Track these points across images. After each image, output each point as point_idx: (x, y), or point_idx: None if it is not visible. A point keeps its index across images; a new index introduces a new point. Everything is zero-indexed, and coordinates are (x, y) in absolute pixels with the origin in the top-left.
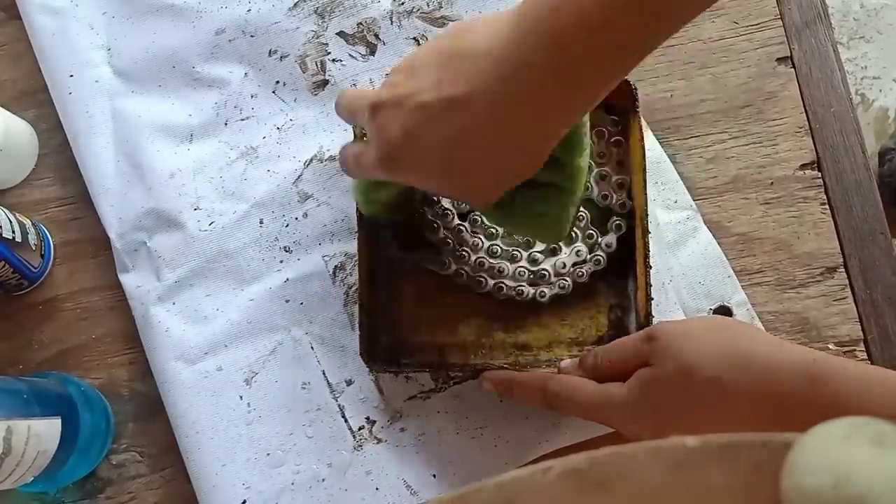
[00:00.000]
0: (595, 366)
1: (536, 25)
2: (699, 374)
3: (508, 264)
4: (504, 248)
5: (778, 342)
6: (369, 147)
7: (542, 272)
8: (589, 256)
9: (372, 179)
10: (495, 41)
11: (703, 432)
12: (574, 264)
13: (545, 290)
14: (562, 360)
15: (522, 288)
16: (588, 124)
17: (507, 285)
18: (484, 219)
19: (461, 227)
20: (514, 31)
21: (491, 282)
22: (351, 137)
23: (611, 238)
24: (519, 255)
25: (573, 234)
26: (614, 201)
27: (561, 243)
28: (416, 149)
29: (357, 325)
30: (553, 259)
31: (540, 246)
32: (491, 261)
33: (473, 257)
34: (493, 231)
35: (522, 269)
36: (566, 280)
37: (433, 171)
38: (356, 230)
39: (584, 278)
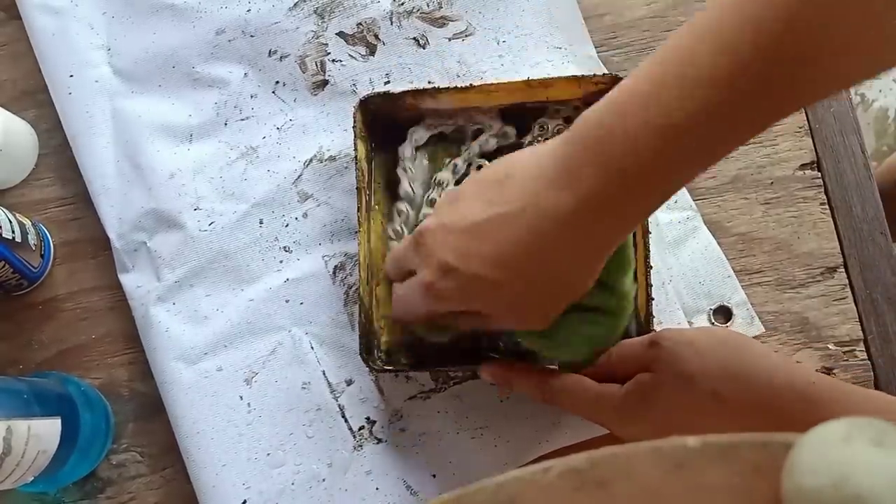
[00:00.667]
0: (596, 368)
1: (585, 147)
2: (699, 385)
3: None
4: None
5: (781, 361)
6: (416, 283)
7: None
8: None
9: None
10: (544, 163)
11: None
12: None
13: None
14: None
15: None
16: (632, 245)
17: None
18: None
19: None
20: (562, 155)
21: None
22: (350, 137)
23: None
24: None
25: None
26: None
27: None
28: (461, 272)
29: (357, 325)
30: None
31: None
32: None
33: None
34: None
35: None
36: None
37: (477, 295)
38: (356, 230)
39: None
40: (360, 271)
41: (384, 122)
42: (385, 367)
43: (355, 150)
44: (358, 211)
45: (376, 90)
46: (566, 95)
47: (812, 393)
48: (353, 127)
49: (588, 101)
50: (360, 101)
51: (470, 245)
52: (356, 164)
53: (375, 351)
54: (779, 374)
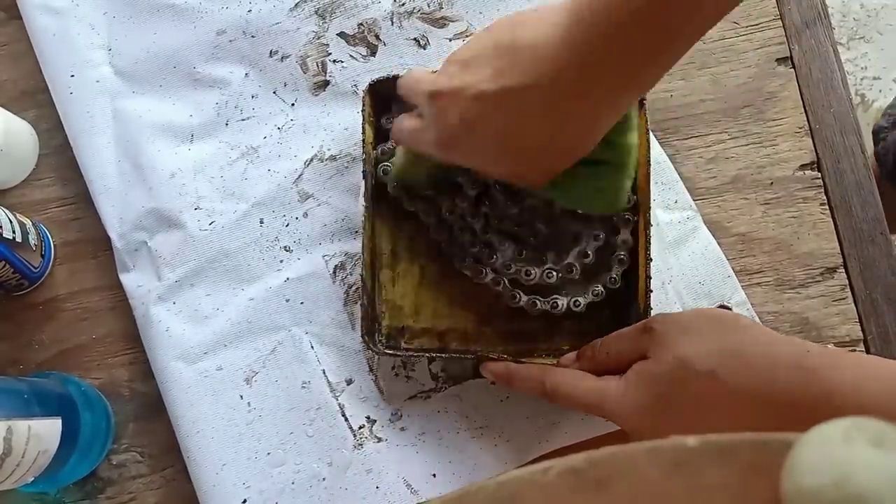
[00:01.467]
0: (593, 358)
1: (591, 19)
2: (695, 367)
3: (537, 269)
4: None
5: (774, 336)
6: (427, 128)
7: (570, 267)
8: (613, 257)
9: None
10: (552, 34)
11: (698, 425)
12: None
13: (580, 299)
14: (561, 348)
15: (558, 300)
16: (635, 111)
17: (539, 300)
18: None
19: (491, 241)
20: (570, 26)
21: (524, 297)
22: (351, 137)
23: (626, 235)
24: (545, 259)
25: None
26: None
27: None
28: (474, 136)
29: (357, 325)
30: (580, 259)
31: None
32: (517, 265)
33: (499, 260)
34: (518, 213)
35: (550, 270)
36: (598, 287)
37: (489, 156)
38: (357, 230)
39: (617, 284)
40: (363, 254)
41: (392, 106)
42: (385, 351)
43: (363, 133)
44: (364, 194)
45: (385, 75)
46: None
47: (809, 362)
48: (362, 111)
49: None
50: (370, 84)
51: (477, 115)
52: (363, 147)
53: (377, 334)
54: (774, 347)
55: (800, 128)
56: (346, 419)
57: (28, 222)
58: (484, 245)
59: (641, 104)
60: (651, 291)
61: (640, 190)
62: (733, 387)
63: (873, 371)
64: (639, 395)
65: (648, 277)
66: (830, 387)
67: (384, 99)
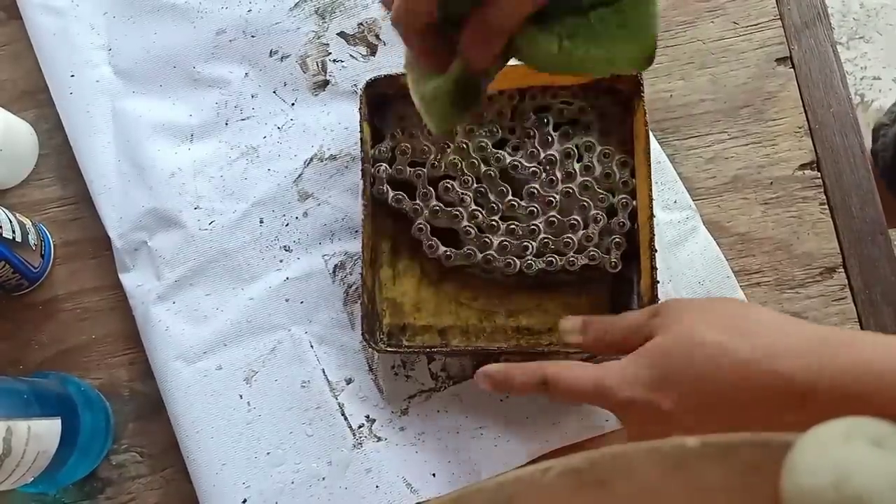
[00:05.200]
0: (597, 335)
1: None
2: (703, 338)
3: (534, 243)
4: (523, 225)
5: (783, 315)
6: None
7: (567, 240)
8: (609, 239)
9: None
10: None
11: (697, 399)
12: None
13: (575, 259)
14: (563, 344)
15: (552, 259)
16: None
17: (535, 262)
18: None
19: (477, 213)
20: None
21: (519, 262)
22: (351, 137)
23: (623, 217)
24: (538, 229)
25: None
26: (617, 178)
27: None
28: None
29: (357, 324)
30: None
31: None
32: (513, 241)
33: (496, 241)
34: (514, 204)
35: (546, 239)
36: (595, 251)
37: None
38: (357, 229)
39: (617, 267)
40: (363, 252)
41: (390, 104)
42: (386, 349)
43: (361, 131)
44: (363, 194)
45: (383, 74)
46: (567, 81)
47: (825, 334)
48: (359, 109)
49: (586, 86)
50: (367, 83)
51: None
52: (361, 145)
53: (378, 332)
54: (783, 322)
55: (799, 128)
56: (346, 418)
57: (28, 222)
58: (479, 233)
59: (640, 95)
60: (658, 282)
61: (640, 181)
62: (739, 359)
63: (884, 347)
64: (640, 368)
65: (654, 269)
66: (842, 363)
67: (380, 97)
